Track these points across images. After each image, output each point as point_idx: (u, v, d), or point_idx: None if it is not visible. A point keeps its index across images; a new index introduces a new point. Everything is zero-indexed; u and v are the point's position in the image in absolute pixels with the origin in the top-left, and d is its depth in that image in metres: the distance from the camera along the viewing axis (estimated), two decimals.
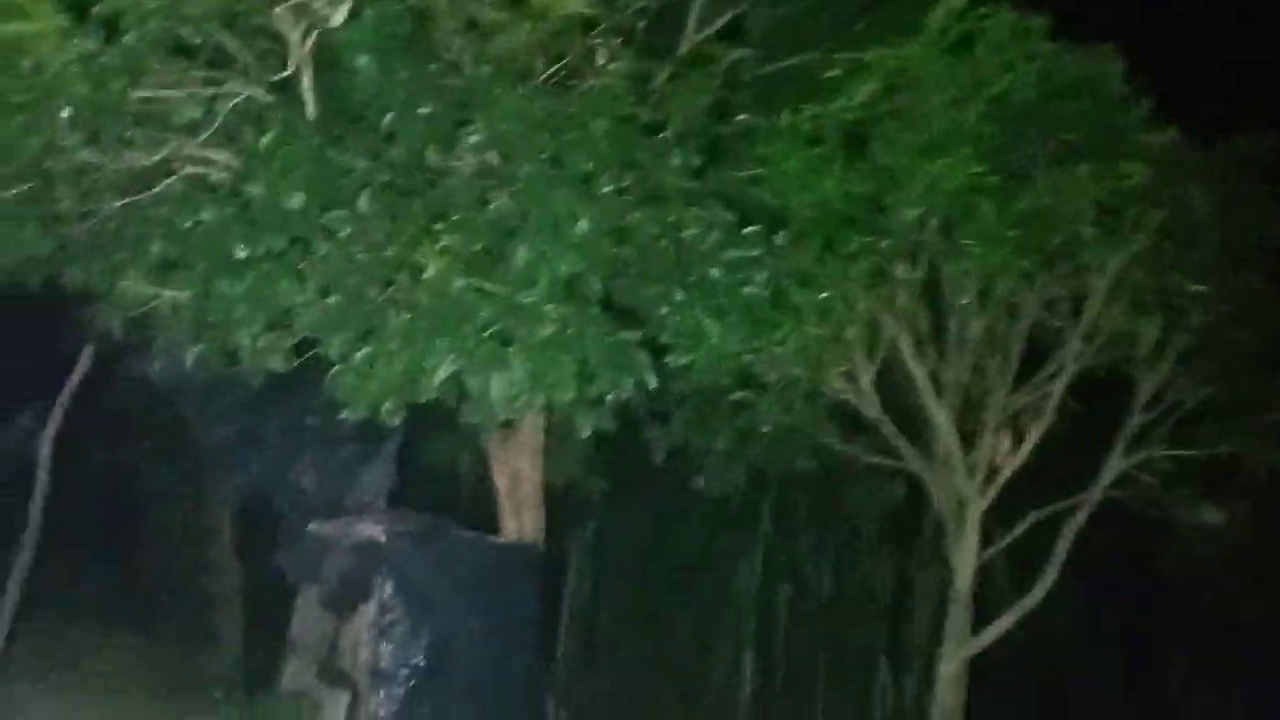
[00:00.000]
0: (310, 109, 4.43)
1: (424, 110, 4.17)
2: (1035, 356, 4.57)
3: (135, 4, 3.67)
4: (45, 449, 7.00)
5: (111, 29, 3.75)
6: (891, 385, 4.73)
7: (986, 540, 4.68)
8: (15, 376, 8.08)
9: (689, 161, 4.15)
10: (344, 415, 4.31)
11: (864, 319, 4.06)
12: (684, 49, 5.38)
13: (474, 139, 4.07)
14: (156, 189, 4.56)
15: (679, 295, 4.13)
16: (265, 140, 4.39)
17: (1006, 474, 4.39)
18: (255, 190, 4.28)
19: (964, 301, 4.09)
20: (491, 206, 4.05)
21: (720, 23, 6.00)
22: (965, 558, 4.49)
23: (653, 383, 4.27)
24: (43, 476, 6.98)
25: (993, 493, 4.44)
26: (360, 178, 4.38)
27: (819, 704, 7.74)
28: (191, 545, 8.83)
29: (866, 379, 4.34)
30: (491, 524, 6.47)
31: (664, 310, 4.16)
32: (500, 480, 6.52)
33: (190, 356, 4.85)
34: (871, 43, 4.89)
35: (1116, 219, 3.87)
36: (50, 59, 3.66)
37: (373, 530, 6.10)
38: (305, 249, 4.34)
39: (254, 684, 7.45)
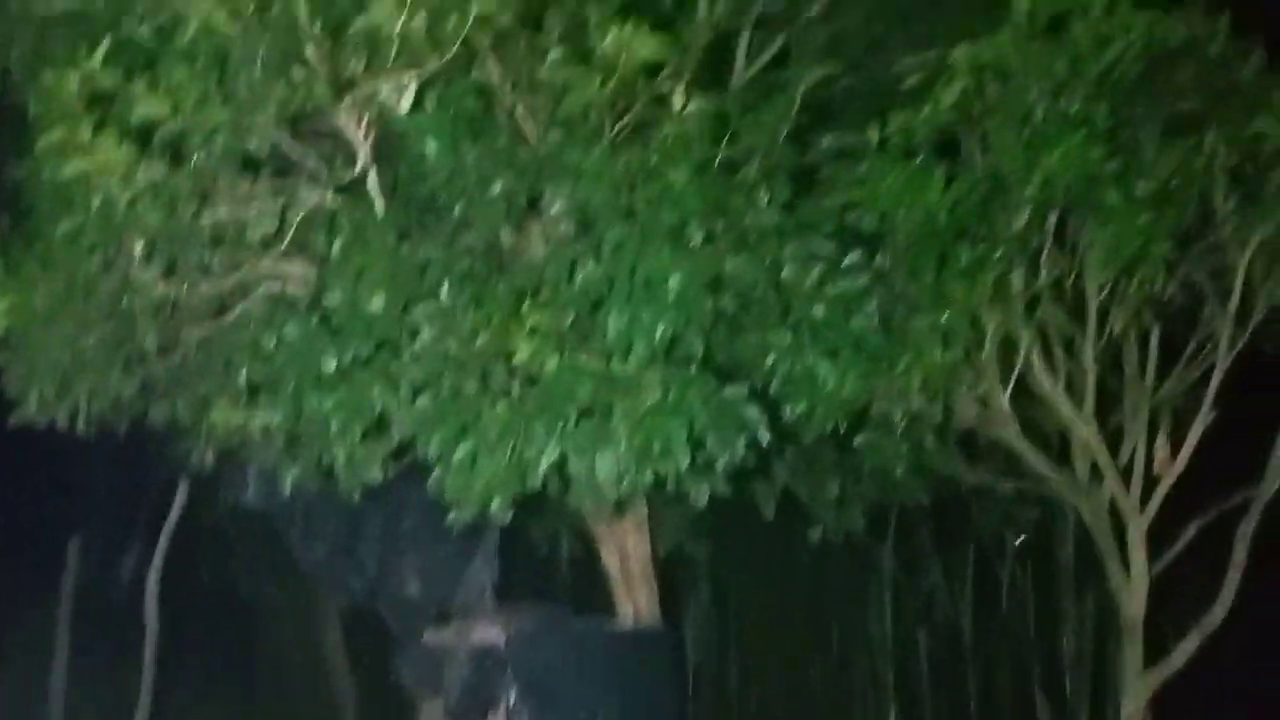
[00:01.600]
0: (380, 206, 4.32)
1: (497, 189, 4.02)
2: (1174, 347, 4.22)
3: (199, 124, 3.58)
4: (152, 589, 6.92)
5: (177, 153, 3.67)
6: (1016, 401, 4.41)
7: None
8: (114, 519, 8.10)
9: (778, 197, 3.93)
10: (452, 518, 4.11)
11: (996, 337, 3.77)
12: (744, 79, 5.22)
13: (554, 209, 3.90)
14: (236, 312, 4.49)
15: (785, 340, 3.88)
16: (337, 245, 4.30)
17: (1169, 482, 4.02)
18: (335, 298, 4.16)
19: (1099, 299, 3.78)
20: (578, 277, 3.87)
21: (774, 48, 5.87)
22: (1136, 582, 4.10)
23: (766, 438, 4.03)
24: (152, 617, 6.89)
25: (1156, 505, 4.07)
26: (438, 269, 4.25)
27: None
28: (305, 666, 8.70)
29: (1003, 400, 4.03)
30: (604, 605, 6.23)
31: (770, 359, 3.91)
32: (610, 560, 6.26)
33: (286, 479, 4.72)
34: (939, 41, 4.67)
35: (1255, 185, 3.55)
36: (119, 193, 3.58)
37: (490, 633, 5.86)
38: (394, 351, 4.20)
39: None
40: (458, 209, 4.24)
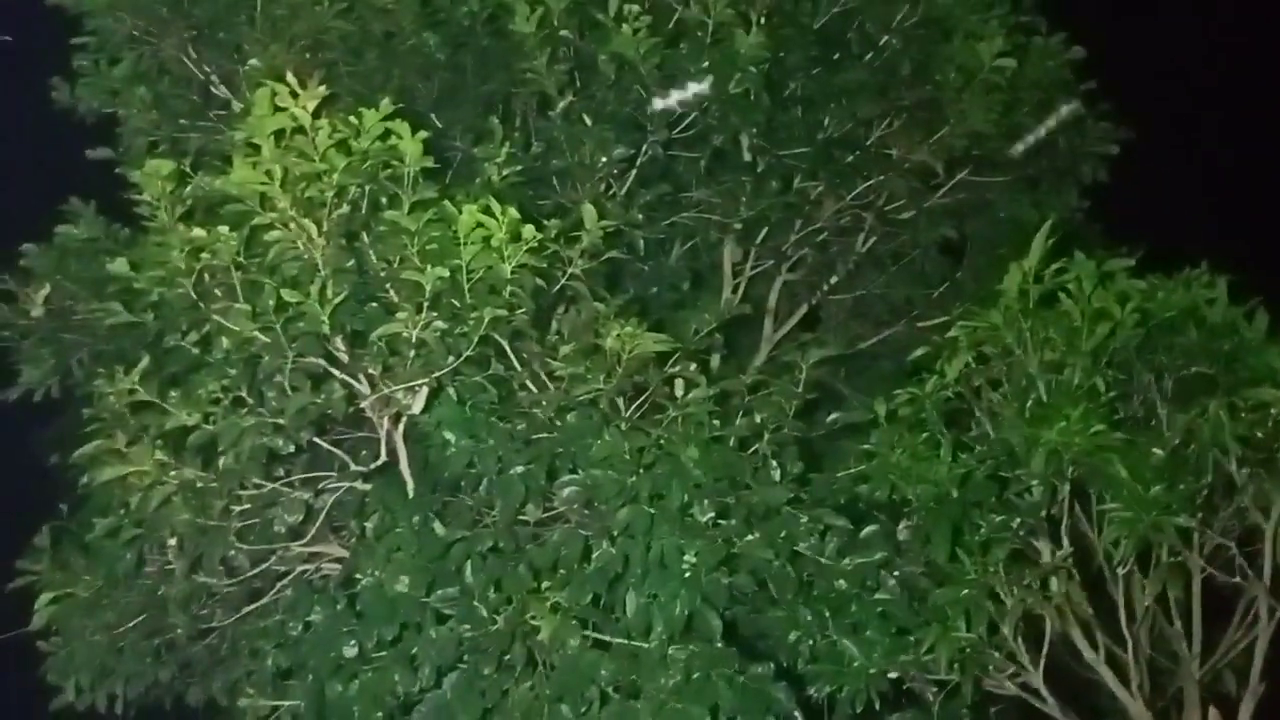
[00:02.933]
0: (410, 488, 4.45)
1: (517, 470, 4.14)
2: (1221, 610, 4.04)
3: (230, 426, 3.79)
4: None
5: (208, 454, 3.87)
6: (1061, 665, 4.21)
7: None
8: None
9: (789, 470, 3.98)
10: None
11: (1017, 613, 3.66)
12: (761, 358, 5.39)
13: (566, 491, 3.98)
14: (265, 600, 4.58)
15: (806, 616, 3.82)
16: (370, 526, 4.41)
17: None
18: (366, 580, 4.23)
19: (1122, 572, 3.67)
20: (595, 556, 3.89)
21: (795, 320, 6.08)
22: None
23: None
24: None
25: None
26: (463, 548, 4.32)
27: None
28: None
29: (1037, 678, 3.85)
30: None
31: (793, 636, 3.84)
32: None
33: None
34: (956, 303, 4.77)
35: (1270, 452, 3.50)
36: (153, 494, 3.77)
37: None
38: (416, 634, 4.22)
39: None
40: (481, 487, 4.35)
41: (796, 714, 3.79)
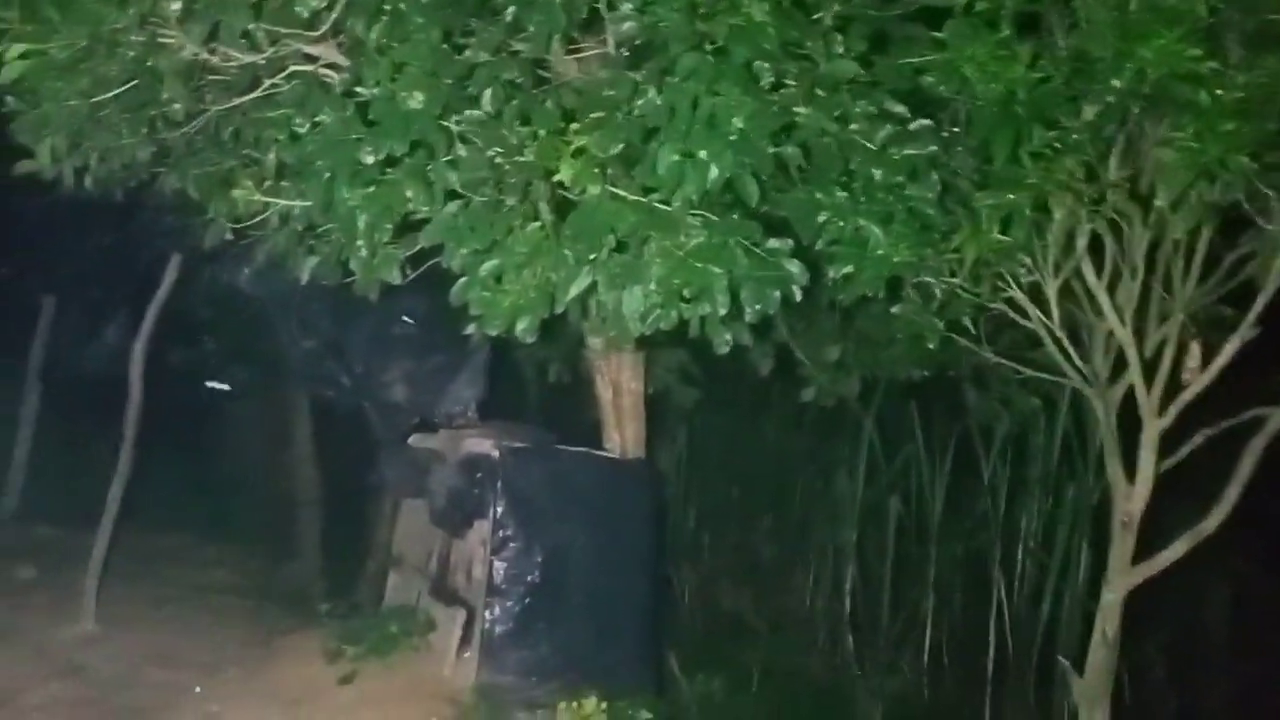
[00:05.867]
0: None
1: None
2: (1215, 258, 4.19)
3: None
4: (137, 362, 6.85)
5: None
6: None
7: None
8: (102, 289, 7.96)
9: (854, 47, 3.76)
10: (473, 330, 4.04)
11: (1063, 225, 3.69)
12: None
13: (625, 26, 3.69)
14: (265, 89, 4.27)
15: (839, 199, 3.78)
16: (375, 32, 4.07)
17: (1194, 391, 4.06)
18: (371, 89, 3.96)
19: (1160, 203, 3.70)
20: (639, 103, 3.69)
21: None
22: (1141, 481, 4.18)
23: (798, 296, 3.99)
24: (135, 390, 6.85)
25: (1175, 411, 4.11)
26: (485, 74, 4.06)
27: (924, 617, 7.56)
28: (277, 458, 8.77)
29: (1052, 290, 3.99)
30: (585, 437, 6.31)
31: (822, 217, 3.82)
32: (604, 393, 6.31)
33: (304, 270, 4.62)
34: None
35: None
36: None
37: (482, 445, 5.92)
38: (429, 154, 4.05)
39: (352, 597, 7.43)
40: (510, 12, 4.01)
41: (797, 290, 3.85)
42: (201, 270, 7.00)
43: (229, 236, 4.81)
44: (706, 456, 7.99)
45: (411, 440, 6.72)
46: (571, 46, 4.18)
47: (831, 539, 7.77)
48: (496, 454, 5.77)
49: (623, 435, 6.27)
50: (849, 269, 3.80)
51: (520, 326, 4.00)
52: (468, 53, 4.06)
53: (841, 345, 6.20)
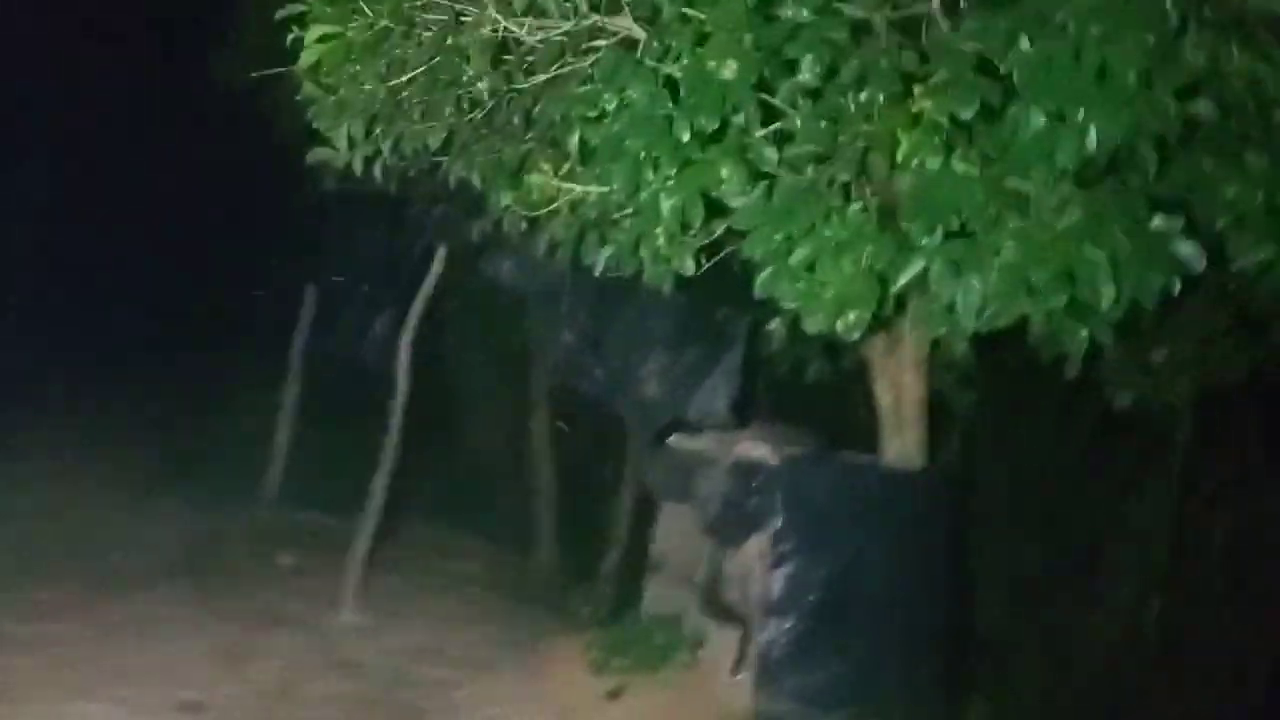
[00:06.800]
0: None
1: None
2: None
3: None
4: (404, 354, 6.84)
5: None
6: None
7: None
8: (371, 281, 8.07)
9: None
10: (809, 325, 3.61)
11: None
12: None
13: None
14: (564, 65, 3.99)
15: (1257, 165, 3.11)
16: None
17: None
18: (684, 60, 3.59)
19: None
20: (1009, 56, 3.13)
21: None
22: None
23: (1176, 288, 3.36)
24: (402, 382, 6.84)
25: None
26: (809, 37, 3.61)
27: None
28: (530, 452, 8.68)
29: None
30: (851, 444, 5.81)
31: (1231, 192, 3.16)
32: (884, 396, 5.77)
33: (601, 259, 4.33)
34: None
35: None
36: None
37: (759, 451, 5.51)
38: (744, 130, 3.64)
39: (608, 600, 7.21)
40: None
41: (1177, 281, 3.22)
42: (467, 262, 6.91)
43: (522, 226, 4.56)
44: (993, 468, 7.27)
45: (674, 440, 6.39)
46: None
47: (1139, 563, 6.90)
48: (775, 461, 5.34)
49: (904, 442, 5.72)
50: (1265, 255, 3.12)
51: (848, 320, 3.54)
52: (787, 12, 3.62)
53: (1166, 346, 5.43)
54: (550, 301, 7.00)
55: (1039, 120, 3.19)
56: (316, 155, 4.66)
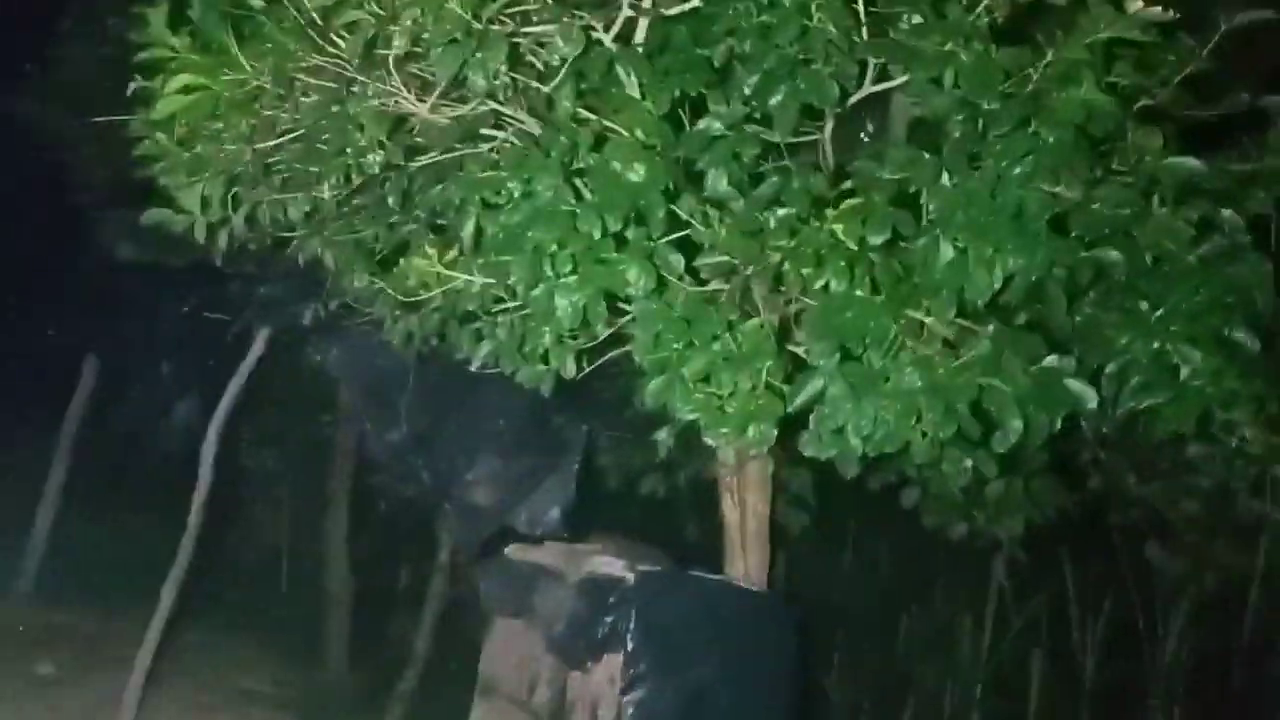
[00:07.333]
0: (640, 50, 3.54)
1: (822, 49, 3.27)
2: None
3: None
4: (211, 442, 6.20)
5: None
6: None
7: None
8: (177, 358, 7.35)
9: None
10: (716, 442, 3.46)
11: None
12: None
13: (910, 100, 3.19)
14: (461, 149, 3.73)
15: (1151, 316, 3.23)
16: (565, 99, 3.54)
17: None
18: (591, 159, 3.43)
19: None
20: (929, 192, 3.16)
21: None
22: None
23: (1059, 425, 3.43)
24: (205, 473, 6.18)
25: None
26: (723, 151, 3.53)
27: None
28: (337, 557, 8.03)
29: None
30: (695, 560, 5.68)
31: (1125, 339, 3.26)
32: (730, 514, 5.66)
33: (479, 355, 4.04)
34: None
35: None
36: None
37: (613, 566, 5.23)
38: (646, 234, 3.50)
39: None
40: (752, 83, 3.49)
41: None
42: (293, 348, 6.40)
43: (395, 312, 4.20)
44: (829, 587, 7.26)
45: (511, 550, 6.02)
46: (817, 124, 3.67)
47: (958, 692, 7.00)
48: (631, 578, 5.08)
49: (746, 562, 5.62)
50: (1154, 400, 3.23)
51: (752, 435, 3.41)
52: (700, 125, 3.54)
53: (1008, 479, 5.60)
54: (379, 395, 6.57)
55: (949, 252, 3.20)
56: (153, 216, 4.15)
